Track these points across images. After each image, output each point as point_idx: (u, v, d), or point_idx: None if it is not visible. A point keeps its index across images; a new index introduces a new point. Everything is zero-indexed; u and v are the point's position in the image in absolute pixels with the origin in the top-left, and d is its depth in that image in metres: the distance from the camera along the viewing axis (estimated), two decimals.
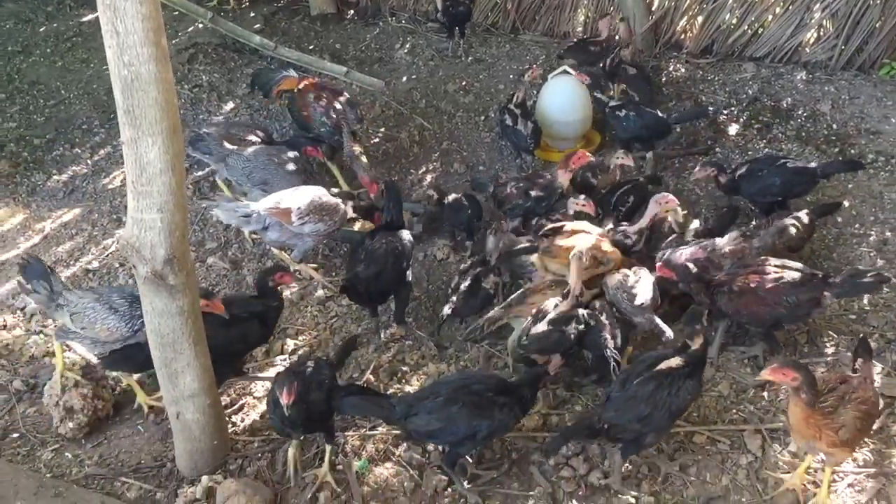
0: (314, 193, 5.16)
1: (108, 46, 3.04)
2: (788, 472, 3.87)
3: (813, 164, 5.53)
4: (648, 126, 6.21)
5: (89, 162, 6.87)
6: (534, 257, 4.83)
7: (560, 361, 4.41)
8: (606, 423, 3.74)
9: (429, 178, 6.50)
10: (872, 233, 5.50)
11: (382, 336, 4.88)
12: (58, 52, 8.82)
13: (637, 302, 4.31)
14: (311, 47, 8.57)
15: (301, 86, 6.25)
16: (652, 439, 3.82)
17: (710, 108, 6.95)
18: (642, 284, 4.41)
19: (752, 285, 4.31)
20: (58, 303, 4.14)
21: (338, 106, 6.07)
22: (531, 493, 3.88)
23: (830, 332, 4.69)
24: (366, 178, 5.53)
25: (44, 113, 7.64)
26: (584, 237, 4.71)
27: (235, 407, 4.47)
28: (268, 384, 4.58)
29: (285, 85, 6.37)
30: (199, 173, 6.47)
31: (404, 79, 7.92)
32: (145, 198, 3.27)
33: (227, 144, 5.68)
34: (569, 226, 4.86)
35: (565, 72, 6.63)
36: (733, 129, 6.83)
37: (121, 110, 3.14)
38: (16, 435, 4.35)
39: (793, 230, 4.86)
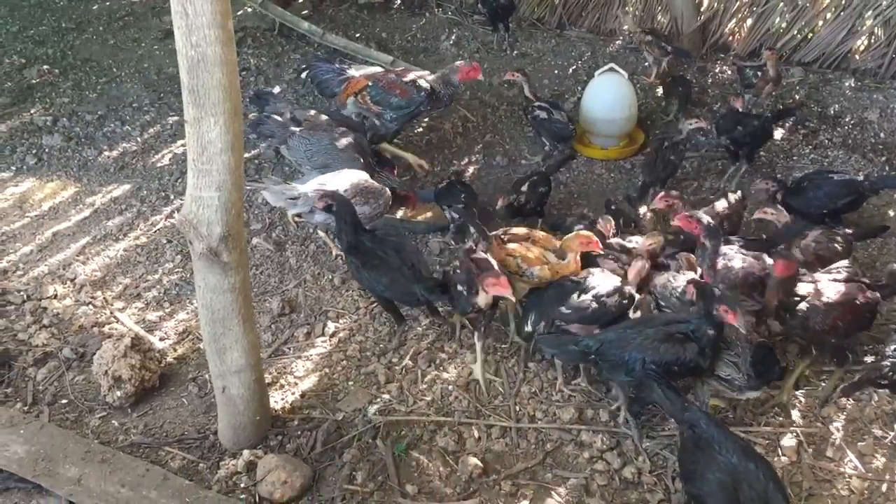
0: (359, 176, 5.26)
1: (177, 27, 3.11)
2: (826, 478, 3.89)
3: (860, 178, 5.42)
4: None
5: (139, 139, 7.00)
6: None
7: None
8: None
9: (471, 169, 6.55)
10: None
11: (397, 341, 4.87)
12: (110, 31, 8.99)
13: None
14: (357, 35, 8.66)
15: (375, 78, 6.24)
16: None
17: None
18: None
19: (843, 298, 4.18)
20: None
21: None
22: (565, 484, 3.94)
23: (873, 339, 4.68)
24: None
25: (95, 89, 7.80)
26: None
27: (276, 385, 4.56)
28: (308, 365, 4.69)
29: (356, 86, 6.27)
30: (245, 155, 6.55)
31: None
32: (205, 176, 3.35)
33: (291, 127, 5.78)
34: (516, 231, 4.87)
35: (612, 69, 6.64)
36: (779, 134, 6.79)
37: (185, 90, 3.21)
38: (64, 401, 4.46)
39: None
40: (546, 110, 6.42)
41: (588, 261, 4.70)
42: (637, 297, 4.43)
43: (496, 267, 4.31)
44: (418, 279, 4.54)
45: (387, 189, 5.31)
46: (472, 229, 4.60)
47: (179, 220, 3.51)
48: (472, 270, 4.26)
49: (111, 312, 5.10)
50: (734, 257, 4.45)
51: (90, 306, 5.12)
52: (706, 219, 4.47)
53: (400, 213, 5.88)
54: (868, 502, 3.80)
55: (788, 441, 4.07)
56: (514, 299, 4.27)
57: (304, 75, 6.70)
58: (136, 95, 7.67)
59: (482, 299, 4.23)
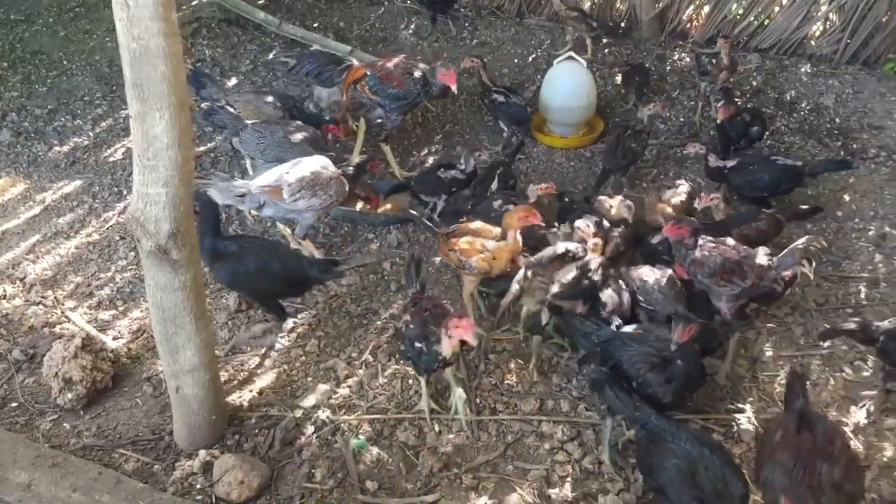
0: (308, 168, 5.12)
1: (118, 19, 3.02)
2: None
3: (800, 163, 5.50)
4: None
5: (91, 134, 6.84)
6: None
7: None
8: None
9: (430, 160, 6.49)
10: (872, 228, 5.52)
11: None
12: (60, 22, 8.77)
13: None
14: (315, 25, 8.55)
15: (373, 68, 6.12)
16: None
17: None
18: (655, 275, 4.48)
19: None
20: None
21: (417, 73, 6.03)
22: (526, 476, 3.92)
23: (826, 326, 4.72)
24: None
25: (45, 83, 7.60)
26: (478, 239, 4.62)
27: (233, 383, 4.48)
28: (266, 361, 4.62)
29: (356, 74, 6.14)
30: (201, 148, 6.47)
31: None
32: (151, 172, 3.27)
33: (244, 118, 5.71)
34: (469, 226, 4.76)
35: (571, 57, 6.62)
36: None
37: (129, 84, 3.13)
38: (14, 404, 4.35)
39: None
40: (504, 94, 6.45)
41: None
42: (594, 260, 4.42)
43: (450, 308, 4.13)
44: (311, 262, 4.57)
45: (340, 178, 5.20)
46: (419, 271, 4.42)
47: (126, 217, 3.43)
48: (427, 320, 3.98)
49: (62, 312, 4.98)
50: (707, 246, 4.44)
51: (40, 306, 5.00)
52: (693, 221, 4.48)
53: (359, 205, 5.81)
54: None
55: (746, 427, 4.09)
56: (476, 342, 3.94)
57: (298, 70, 6.50)
58: (88, 89, 7.49)
59: (447, 347, 3.85)
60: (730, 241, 4.52)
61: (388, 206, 5.90)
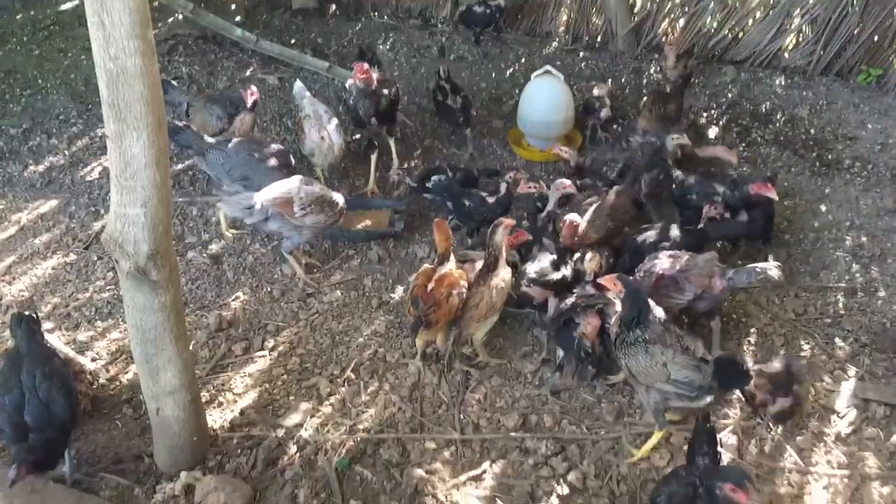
0: (316, 185, 5.22)
1: (94, 39, 2.99)
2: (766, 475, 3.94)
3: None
4: None
5: (66, 153, 6.77)
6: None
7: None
8: None
9: (408, 177, 6.47)
10: (848, 238, 5.57)
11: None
12: (35, 41, 8.70)
13: None
14: (292, 41, 8.53)
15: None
16: None
17: None
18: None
19: None
20: None
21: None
22: (510, 492, 3.91)
23: (807, 334, 4.77)
24: None
25: (20, 102, 7.52)
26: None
27: (214, 403, 4.44)
28: (248, 380, 4.58)
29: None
30: (179, 167, 6.42)
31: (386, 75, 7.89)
32: (129, 192, 3.24)
33: (207, 138, 5.66)
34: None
35: (548, 72, 6.65)
36: (713, 132, 6.89)
37: (105, 104, 3.10)
38: None
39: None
40: (444, 93, 6.59)
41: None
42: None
43: None
44: None
45: (342, 199, 5.27)
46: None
47: (104, 238, 3.39)
48: None
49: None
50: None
51: None
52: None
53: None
54: (808, 496, 3.85)
55: (729, 438, 4.10)
56: None
57: None
58: (63, 107, 7.42)
59: None
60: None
61: (369, 221, 5.86)
